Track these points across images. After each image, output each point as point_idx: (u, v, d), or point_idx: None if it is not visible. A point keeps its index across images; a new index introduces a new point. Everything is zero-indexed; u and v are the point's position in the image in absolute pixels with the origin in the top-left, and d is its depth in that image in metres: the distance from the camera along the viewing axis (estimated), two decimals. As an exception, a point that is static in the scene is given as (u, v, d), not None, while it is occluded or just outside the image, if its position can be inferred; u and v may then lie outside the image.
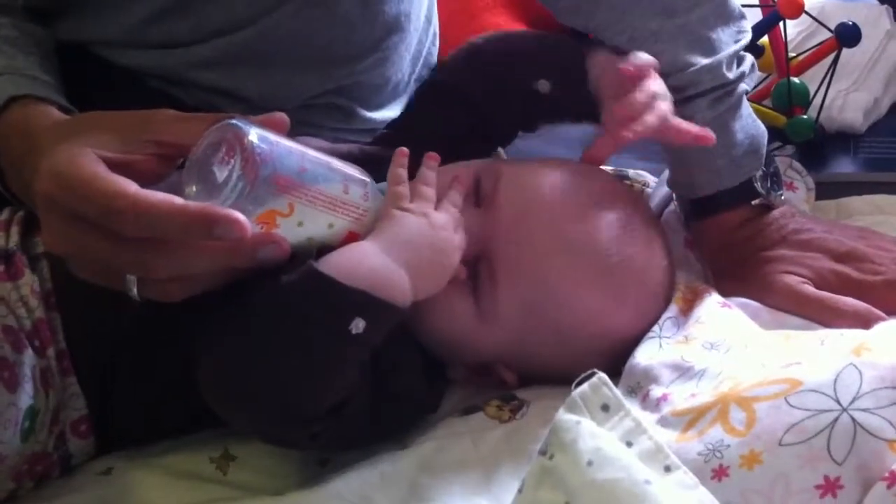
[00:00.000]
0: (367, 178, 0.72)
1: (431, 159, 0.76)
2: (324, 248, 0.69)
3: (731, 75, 0.85)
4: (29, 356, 0.71)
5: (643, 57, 0.80)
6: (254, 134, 0.65)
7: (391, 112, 0.96)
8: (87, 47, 0.88)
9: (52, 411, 0.73)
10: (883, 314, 0.78)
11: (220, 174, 0.64)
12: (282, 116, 0.69)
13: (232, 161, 0.64)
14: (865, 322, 0.76)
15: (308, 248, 0.68)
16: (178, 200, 0.62)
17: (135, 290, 0.65)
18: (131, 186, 0.63)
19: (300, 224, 0.67)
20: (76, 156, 0.64)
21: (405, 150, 0.74)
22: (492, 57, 0.86)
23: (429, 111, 0.88)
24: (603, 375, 0.64)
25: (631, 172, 0.98)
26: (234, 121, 0.66)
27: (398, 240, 0.70)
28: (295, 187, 0.66)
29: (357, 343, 0.67)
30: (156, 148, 0.67)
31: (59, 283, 0.74)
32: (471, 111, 0.85)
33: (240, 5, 0.84)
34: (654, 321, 0.78)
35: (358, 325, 0.66)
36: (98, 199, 0.62)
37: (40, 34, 0.84)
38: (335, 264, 0.67)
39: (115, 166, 0.64)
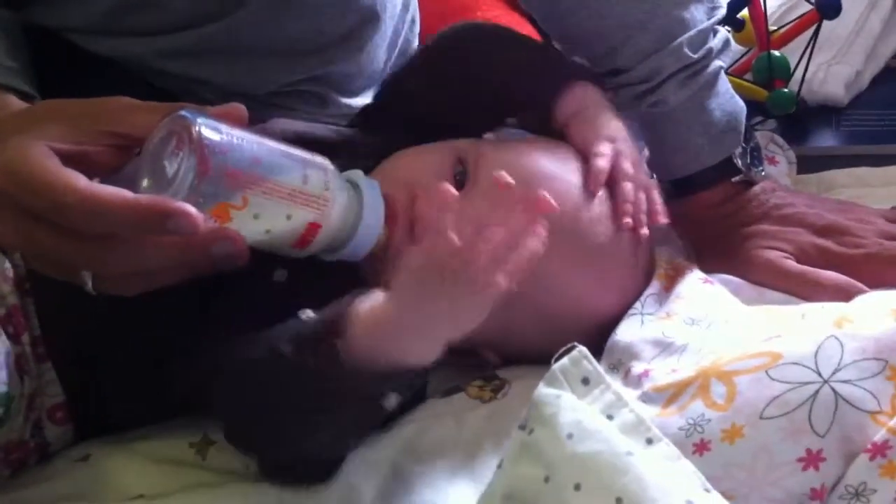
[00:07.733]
0: (329, 166, 0.69)
1: (447, 195, 0.64)
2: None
3: (696, 55, 0.84)
4: (2, 342, 0.70)
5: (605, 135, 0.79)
6: (203, 126, 0.63)
7: (368, 99, 0.95)
8: (58, 33, 0.87)
9: (28, 398, 0.72)
10: (864, 287, 0.78)
11: (171, 168, 0.63)
12: (239, 108, 0.67)
13: (181, 154, 0.62)
14: (846, 295, 0.75)
15: (268, 242, 0.67)
16: (128, 195, 0.61)
17: (90, 285, 0.64)
18: (81, 181, 0.62)
19: (256, 217, 0.65)
20: (27, 149, 0.63)
21: (453, 190, 0.65)
22: (462, 74, 0.84)
23: (403, 97, 0.86)
24: (583, 349, 0.64)
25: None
26: (184, 112, 0.64)
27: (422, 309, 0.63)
28: (248, 179, 0.64)
29: (389, 411, 0.66)
30: (110, 139, 0.66)
31: (32, 269, 0.73)
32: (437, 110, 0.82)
33: (207, 2, 0.83)
34: (636, 298, 0.77)
35: (391, 401, 0.65)
36: (47, 194, 0.61)
37: (6, 17, 0.82)
38: (360, 343, 0.63)
39: (68, 159, 0.63)
